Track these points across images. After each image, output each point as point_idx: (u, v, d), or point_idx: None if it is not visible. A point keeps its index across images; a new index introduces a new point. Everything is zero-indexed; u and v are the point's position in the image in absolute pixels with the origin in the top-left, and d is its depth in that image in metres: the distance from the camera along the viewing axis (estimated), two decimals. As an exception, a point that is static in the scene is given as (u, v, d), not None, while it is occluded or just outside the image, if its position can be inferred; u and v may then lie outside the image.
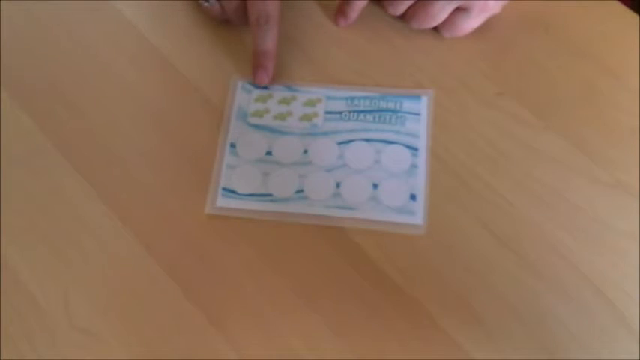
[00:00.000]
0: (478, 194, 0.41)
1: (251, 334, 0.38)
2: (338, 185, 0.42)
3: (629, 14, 0.47)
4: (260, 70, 0.44)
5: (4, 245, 0.42)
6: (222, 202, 0.42)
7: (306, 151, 0.43)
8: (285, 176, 0.42)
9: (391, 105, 0.44)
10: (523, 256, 0.39)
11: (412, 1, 0.44)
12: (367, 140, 0.43)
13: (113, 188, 0.43)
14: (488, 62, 0.46)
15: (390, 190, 0.42)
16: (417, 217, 0.41)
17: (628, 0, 0.47)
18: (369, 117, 0.44)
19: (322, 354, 0.37)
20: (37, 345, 0.39)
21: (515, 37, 0.46)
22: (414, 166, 0.42)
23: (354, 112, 0.44)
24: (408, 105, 0.44)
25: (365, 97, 0.45)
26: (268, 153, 0.43)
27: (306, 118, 0.44)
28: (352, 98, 0.45)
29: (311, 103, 0.45)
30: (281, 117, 0.45)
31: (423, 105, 0.44)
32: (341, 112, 0.44)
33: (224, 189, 0.42)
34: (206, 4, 0.45)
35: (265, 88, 0.46)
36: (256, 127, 0.44)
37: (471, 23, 0.45)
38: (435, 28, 0.46)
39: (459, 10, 0.44)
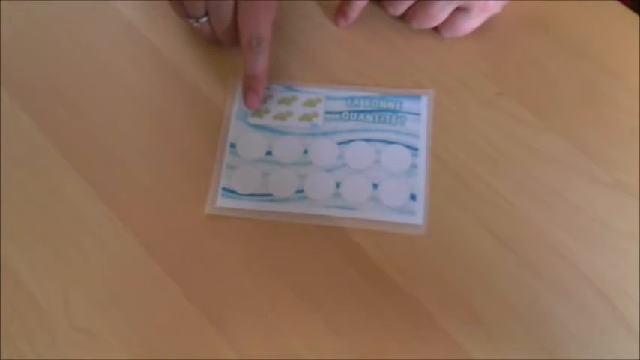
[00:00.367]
0: (478, 194, 0.41)
1: (251, 334, 0.38)
2: (338, 185, 0.42)
3: (629, 14, 0.47)
4: (251, 93, 0.44)
5: (4, 245, 0.42)
6: (222, 202, 0.42)
7: (306, 151, 0.43)
8: (285, 176, 0.42)
9: (391, 105, 0.44)
10: (523, 256, 0.39)
11: (412, 1, 0.44)
12: (367, 140, 0.43)
13: (113, 188, 0.43)
14: (488, 62, 0.46)
15: (390, 190, 0.42)
16: (417, 217, 0.41)
17: (628, 0, 0.47)
18: (369, 117, 0.44)
19: (322, 354, 0.37)
20: (37, 345, 0.39)
21: (515, 37, 0.46)
22: (414, 166, 0.42)
23: (354, 112, 0.44)
24: (408, 105, 0.44)
25: (365, 97, 0.45)
26: (268, 153, 0.43)
27: (306, 118, 0.44)
28: (352, 98, 0.45)
29: (311, 103, 0.45)
30: (281, 117, 0.45)
31: (423, 105, 0.44)
32: (341, 112, 0.44)
33: (224, 189, 0.42)
34: (196, 23, 0.44)
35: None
36: (256, 127, 0.44)
37: (471, 23, 0.45)
38: (435, 28, 0.46)
39: (459, 10, 0.44)
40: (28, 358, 0.38)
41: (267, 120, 0.45)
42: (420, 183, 0.42)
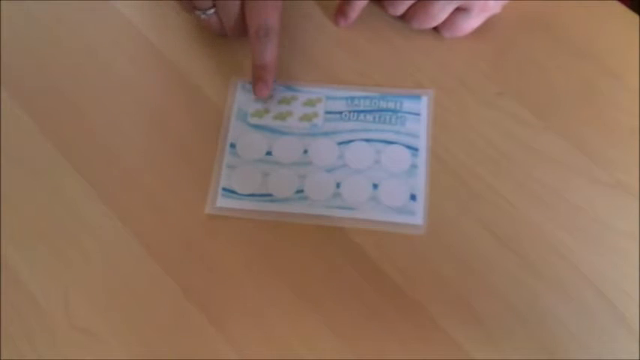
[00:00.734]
0: (478, 194, 0.41)
1: (251, 334, 0.38)
2: (338, 185, 0.42)
3: (629, 14, 0.47)
4: (260, 83, 0.44)
5: (4, 245, 0.42)
6: (222, 202, 0.42)
7: (306, 151, 0.43)
8: (285, 176, 0.42)
9: (391, 105, 0.44)
10: (523, 256, 0.39)
11: (412, 1, 0.44)
12: (367, 140, 0.43)
13: (113, 188, 0.43)
14: (488, 62, 0.46)
15: (390, 190, 0.42)
16: (417, 217, 0.41)
17: (628, 0, 0.47)
18: (369, 117, 0.44)
19: (322, 354, 0.37)
20: (37, 345, 0.39)
21: (515, 37, 0.46)
22: (414, 166, 0.42)
23: (354, 112, 0.44)
24: (408, 105, 0.44)
25: (365, 97, 0.45)
26: (268, 153, 0.43)
27: (306, 118, 0.44)
28: (352, 98, 0.45)
29: (311, 103, 0.45)
30: (281, 117, 0.45)
31: (423, 105, 0.44)
32: (341, 112, 0.44)
33: (224, 189, 0.42)
34: (203, 15, 0.44)
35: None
36: (256, 127, 0.44)
37: (471, 23, 0.45)
38: (435, 28, 0.46)
39: (459, 10, 0.44)
40: (28, 358, 0.38)
41: (267, 120, 0.45)
42: (420, 183, 0.42)
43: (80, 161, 0.44)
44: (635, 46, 0.45)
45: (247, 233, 0.41)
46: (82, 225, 0.42)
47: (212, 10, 0.44)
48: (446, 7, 0.44)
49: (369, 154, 0.43)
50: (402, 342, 0.38)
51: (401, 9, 0.45)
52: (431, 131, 0.43)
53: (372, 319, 0.38)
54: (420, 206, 0.41)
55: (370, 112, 0.44)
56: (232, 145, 0.44)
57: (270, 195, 0.42)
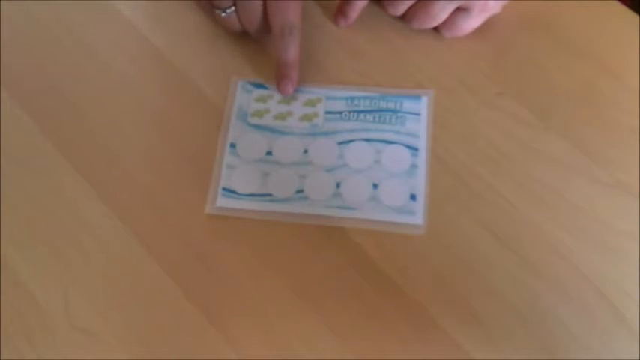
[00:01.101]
0: (478, 194, 0.41)
1: (251, 334, 0.38)
2: (338, 185, 0.42)
3: (629, 14, 0.47)
4: (285, 80, 0.44)
5: (4, 245, 0.42)
6: (222, 202, 0.42)
7: (306, 151, 0.43)
8: (286, 176, 0.42)
9: (391, 105, 0.44)
10: (523, 256, 0.39)
11: (412, 2, 0.44)
12: (367, 140, 0.43)
13: (113, 188, 0.43)
14: (488, 62, 0.46)
15: (390, 190, 0.42)
16: (417, 217, 0.41)
17: (628, 0, 0.47)
18: (369, 117, 0.44)
19: (322, 354, 0.37)
20: (37, 345, 0.39)
21: (515, 37, 0.46)
22: (414, 166, 0.42)
23: (354, 112, 0.44)
24: (408, 105, 0.44)
25: (365, 97, 0.45)
26: (268, 153, 0.43)
27: (306, 118, 0.44)
28: (352, 98, 0.45)
29: (311, 103, 0.45)
30: (281, 117, 0.45)
31: (423, 105, 0.44)
32: (341, 112, 0.44)
33: (224, 189, 0.42)
34: (223, 14, 0.44)
35: (265, 88, 0.46)
36: (256, 127, 0.44)
37: (471, 23, 0.45)
38: (436, 28, 0.46)
39: (459, 10, 0.44)
40: (28, 358, 0.38)
41: (267, 120, 0.45)
42: (420, 183, 0.42)
43: (80, 161, 0.44)
44: (635, 46, 0.45)
45: (247, 233, 0.41)
46: (82, 225, 0.42)
47: (232, 9, 0.44)
48: (446, 7, 0.44)
49: (369, 154, 0.43)
50: (402, 342, 0.38)
51: (401, 9, 0.45)
52: (431, 131, 0.43)
53: (372, 319, 0.38)
54: (420, 206, 0.41)
55: (370, 112, 0.44)
56: (232, 145, 0.44)
57: (270, 195, 0.42)
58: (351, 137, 0.43)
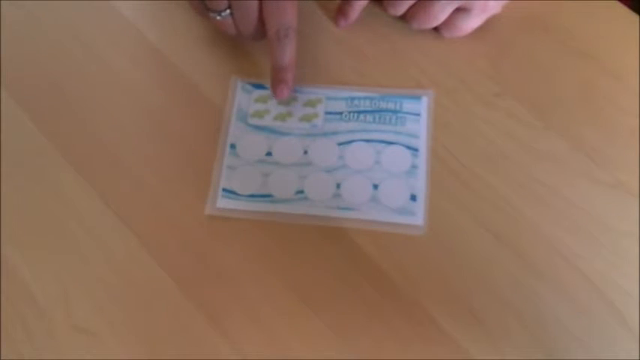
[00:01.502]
0: (478, 194, 0.41)
1: (251, 334, 0.38)
2: (338, 186, 0.42)
3: (630, 14, 0.47)
4: (281, 84, 0.43)
5: (4, 245, 0.42)
6: (223, 202, 0.42)
7: (306, 152, 0.43)
8: (286, 177, 0.42)
9: (391, 105, 0.44)
10: (523, 256, 0.39)
11: (412, 2, 0.44)
12: (367, 141, 0.43)
13: (113, 188, 0.43)
14: (488, 62, 0.46)
15: (391, 190, 0.42)
16: (418, 218, 0.41)
17: (628, 0, 0.47)
18: (369, 117, 0.44)
19: (322, 354, 0.37)
20: (37, 345, 0.39)
21: (515, 37, 0.46)
22: (414, 167, 0.42)
23: (354, 112, 0.44)
24: (408, 105, 0.44)
25: (365, 98, 0.45)
26: (268, 154, 0.43)
27: (306, 118, 0.44)
28: (352, 99, 0.45)
29: (311, 103, 0.45)
30: (281, 117, 0.45)
31: (423, 105, 0.44)
32: (341, 113, 0.44)
33: (224, 190, 0.42)
34: (218, 17, 0.42)
35: (265, 88, 0.46)
36: (256, 127, 0.44)
37: (471, 23, 0.45)
38: (436, 28, 0.46)
39: (459, 10, 0.44)
40: (28, 358, 0.38)
41: (267, 120, 0.45)
42: (420, 183, 0.42)
43: (80, 161, 0.44)
44: (635, 46, 0.45)
45: (247, 234, 0.41)
46: (81, 225, 0.42)
47: (227, 12, 0.42)
48: (446, 8, 0.44)
49: (370, 155, 0.43)
50: (402, 342, 0.38)
51: (401, 9, 0.45)
52: (431, 131, 0.43)
53: (372, 319, 0.38)
54: (420, 206, 0.41)
55: (370, 112, 0.44)
56: (232, 146, 0.44)
57: (270, 196, 0.42)
58: (351, 138, 0.43)
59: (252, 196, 0.42)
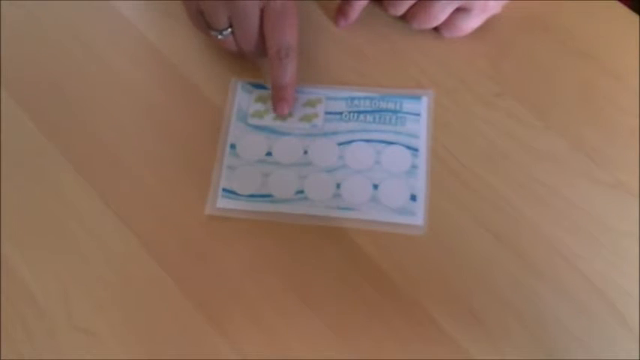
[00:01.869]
0: (478, 194, 0.41)
1: (251, 334, 0.38)
2: (338, 186, 0.42)
3: (630, 15, 0.47)
4: (282, 102, 0.43)
5: (4, 245, 0.42)
6: (223, 202, 0.42)
7: (306, 152, 0.43)
8: (286, 177, 0.42)
9: (391, 105, 0.44)
10: (523, 256, 0.39)
11: (413, 2, 0.44)
12: (367, 141, 0.43)
13: (113, 188, 0.43)
14: (489, 62, 0.46)
15: (391, 190, 0.42)
16: (418, 218, 0.41)
17: (628, 0, 0.47)
18: (369, 117, 0.44)
19: (322, 354, 0.37)
20: (37, 345, 0.39)
21: (515, 37, 0.46)
22: (414, 167, 0.42)
23: (354, 112, 0.44)
24: (408, 105, 0.44)
25: (365, 98, 0.45)
26: (268, 154, 0.43)
27: (306, 118, 0.44)
28: (352, 99, 0.45)
29: (311, 103, 0.45)
30: (281, 117, 0.44)
31: (423, 105, 0.44)
32: (341, 113, 0.44)
33: (224, 190, 0.42)
34: (220, 36, 0.43)
35: (265, 88, 0.46)
36: (256, 127, 0.44)
37: (471, 23, 0.45)
38: (436, 28, 0.46)
39: (459, 11, 0.44)
40: (28, 358, 0.38)
41: (267, 121, 0.45)
42: (420, 183, 0.42)
43: (80, 161, 0.44)
44: (635, 46, 0.45)
45: (247, 234, 0.41)
46: (81, 225, 0.42)
47: (228, 31, 0.43)
48: (446, 8, 0.44)
49: (369, 155, 0.43)
50: (402, 342, 0.38)
51: (401, 9, 0.45)
52: (431, 131, 0.43)
53: (372, 319, 0.38)
54: (420, 206, 0.41)
55: (370, 112, 0.44)
56: (232, 146, 0.44)
57: (270, 196, 0.42)
58: (351, 138, 0.43)
59: (252, 196, 0.42)
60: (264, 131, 0.44)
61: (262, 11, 0.42)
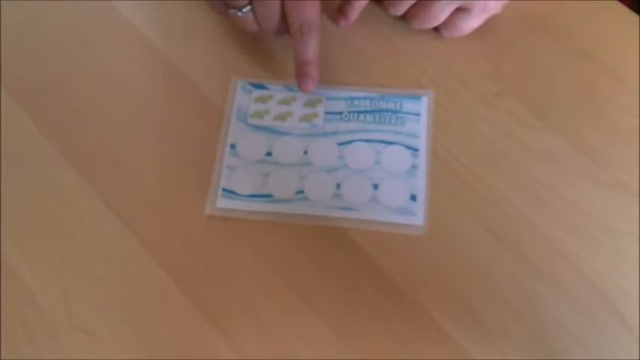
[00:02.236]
0: (478, 194, 0.41)
1: (251, 334, 0.38)
2: (338, 186, 0.42)
3: (630, 14, 0.47)
4: (306, 78, 0.43)
5: (4, 245, 0.42)
6: (223, 202, 0.42)
7: (306, 152, 0.43)
8: (286, 177, 0.42)
9: (391, 105, 0.44)
10: (523, 256, 0.39)
11: (413, 2, 0.44)
12: (367, 141, 0.43)
13: (113, 188, 0.43)
14: (489, 62, 0.46)
15: (391, 190, 0.42)
16: (418, 218, 0.41)
17: (628, 0, 0.47)
18: (369, 117, 0.44)
19: (322, 354, 0.37)
20: (37, 345, 0.39)
21: (515, 37, 0.46)
22: (414, 167, 0.42)
23: (354, 112, 0.44)
24: (408, 105, 0.44)
25: (365, 98, 0.45)
26: (268, 154, 0.43)
27: (306, 118, 0.44)
28: (352, 99, 0.45)
29: (311, 103, 0.45)
30: (281, 117, 0.45)
31: (423, 105, 0.44)
32: (341, 113, 0.44)
33: (224, 190, 0.42)
34: (239, 13, 0.42)
35: (265, 88, 0.46)
36: (256, 127, 0.44)
37: (471, 23, 0.45)
38: (436, 28, 0.46)
39: (459, 10, 0.44)
40: (28, 358, 0.38)
41: (267, 120, 0.45)
42: (420, 183, 0.42)
43: (80, 161, 0.44)
44: (635, 46, 0.45)
45: (248, 234, 0.41)
46: (81, 225, 0.42)
47: (248, 8, 0.42)
48: (446, 8, 0.44)
49: (369, 155, 0.43)
50: (402, 342, 0.38)
51: (401, 9, 0.45)
52: (431, 131, 0.43)
53: (372, 319, 0.38)
54: (420, 206, 0.41)
55: (370, 112, 0.44)
56: (232, 146, 0.44)
57: (270, 196, 0.42)
58: (351, 138, 0.43)
59: (252, 196, 0.42)
60: (264, 131, 0.44)
61: None
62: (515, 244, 0.40)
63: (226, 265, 0.40)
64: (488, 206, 0.41)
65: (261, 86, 0.46)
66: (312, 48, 0.42)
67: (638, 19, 0.46)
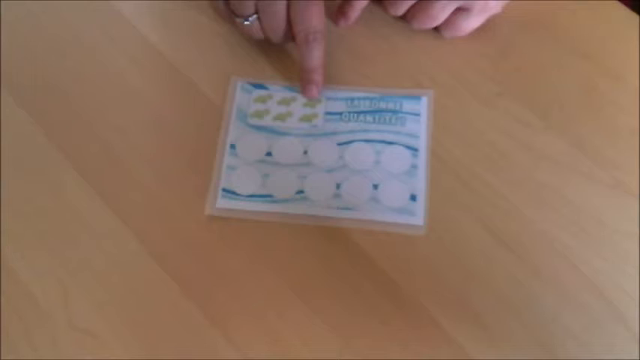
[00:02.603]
0: (478, 194, 0.41)
1: (251, 334, 0.38)
2: (338, 186, 0.42)
3: (630, 14, 0.47)
4: (311, 85, 0.44)
5: (4, 245, 0.42)
6: (223, 202, 0.42)
7: (306, 152, 0.43)
8: (286, 177, 0.42)
9: (391, 105, 0.44)
10: (523, 256, 0.39)
11: (413, 2, 0.44)
12: (367, 141, 0.43)
13: (113, 188, 0.43)
14: (489, 62, 0.46)
15: (391, 190, 0.42)
16: (418, 218, 0.41)
17: (628, 0, 0.47)
18: (369, 117, 0.44)
19: (322, 354, 0.37)
20: (37, 345, 0.39)
21: (515, 37, 0.47)
22: (414, 167, 0.42)
23: (354, 112, 0.44)
24: (408, 105, 0.44)
25: (365, 98, 0.45)
26: (268, 154, 0.43)
27: (306, 118, 0.44)
28: (352, 99, 0.45)
29: (311, 103, 0.45)
30: (281, 118, 0.45)
31: (423, 105, 0.44)
32: (341, 113, 0.44)
33: (224, 190, 0.42)
34: (246, 22, 0.43)
35: (265, 88, 0.46)
36: (256, 127, 0.44)
37: (471, 23, 0.45)
38: (436, 28, 0.46)
39: (459, 10, 0.44)
40: (28, 358, 0.38)
41: (267, 121, 0.45)
42: (420, 183, 0.42)
43: (80, 161, 0.44)
44: (635, 46, 0.45)
45: (247, 234, 0.41)
46: (82, 225, 0.42)
47: (254, 17, 0.42)
48: (446, 8, 0.44)
49: (369, 155, 0.43)
50: (402, 342, 0.38)
51: (402, 9, 0.45)
52: (431, 131, 0.43)
53: (372, 319, 0.38)
54: (420, 206, 0.41)
55: (370, 112, 0.44)
56: (232, 146, 0.44)
57: (270, 196, 0.42)
58: (350, 138, 0.43)
59: (252, 196, 0.42)
60: (264, 131, 0.44)
61: None
62: (516, 244, 0.40)
63: (226, 264, 0.40)
64: (488, 206, 0.41)
65: (261, 86, 0.46)
66: (317, 56, 0.43)
67: (638, 19, 0.46)
